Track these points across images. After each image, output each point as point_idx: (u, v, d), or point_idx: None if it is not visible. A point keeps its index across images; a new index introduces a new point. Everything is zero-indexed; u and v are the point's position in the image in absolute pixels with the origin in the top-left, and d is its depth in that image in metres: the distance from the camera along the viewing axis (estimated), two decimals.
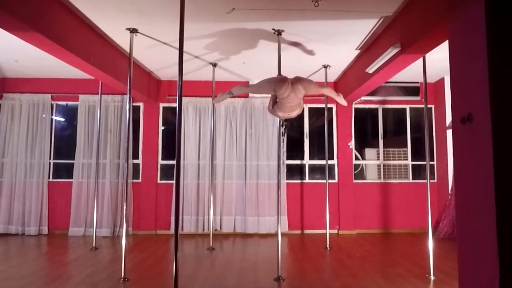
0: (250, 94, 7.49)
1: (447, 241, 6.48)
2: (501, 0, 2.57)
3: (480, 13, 2.61)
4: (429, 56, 4.77)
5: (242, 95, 7.44)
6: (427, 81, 5.31)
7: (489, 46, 2.53)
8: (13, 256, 5.73)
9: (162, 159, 7.63)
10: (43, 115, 7.48)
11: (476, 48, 2.67)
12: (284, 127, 4.79)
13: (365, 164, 7.85)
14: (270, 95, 4.70)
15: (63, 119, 7.83)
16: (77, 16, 4.45)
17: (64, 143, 7.67)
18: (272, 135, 7.46)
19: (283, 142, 5.87)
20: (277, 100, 4.51)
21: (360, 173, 7.82)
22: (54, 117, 7.66)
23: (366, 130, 8.04)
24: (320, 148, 7.65)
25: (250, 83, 7.51)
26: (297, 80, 4.47)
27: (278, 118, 4.93)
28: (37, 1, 3.70)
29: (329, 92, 4.92)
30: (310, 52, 5.70)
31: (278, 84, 4.40)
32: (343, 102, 4.97)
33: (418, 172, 7.75)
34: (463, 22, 2.88)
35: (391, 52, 4.40)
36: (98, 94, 6.81)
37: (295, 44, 5.34)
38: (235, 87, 4.87)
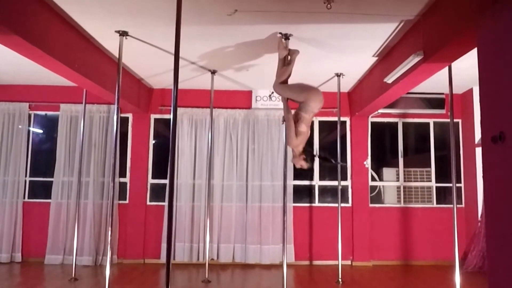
0: (253, 105, 7.54)
1: (477, 275, 6.42)
2: None
3: None
4: (456, 64, 4.80)
5: (244, 105, 7.52)
6: (454, 92, 5.31)
7: None
8: None
9: (153, 177, 7.63)
10: (19, 126, 7.52)
11: (508, 57, 2.69)
12: (317, 155, 4.70)
13: (383, 186, 7.82)
14: (285, 115, 4.58)
15: (41, 131, 7.88)
16: (60, 17, 4.51)
17: (42, 159, 7.69)
18: (278, 152, 7.44)
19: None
20: (299, 117, 4.42)
21: (377, 196, 7.79)
22: (32, 129, 7.70)
23: (384, 147, 8.05)
24: (331, 167, 7.64)
25: (253, 92, 7.56)
26: None
27: (284, 129, 4.82)
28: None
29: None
30: (321, 59, 5.75)
31: (314, 94, 4.38)
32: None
33: (443, 195, 7.72)
34: (493, 28, 2.90)
35: (413, 60, 4.43)
36: (81, 103, 6.83)
37: (304, 50, 5.38)
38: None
